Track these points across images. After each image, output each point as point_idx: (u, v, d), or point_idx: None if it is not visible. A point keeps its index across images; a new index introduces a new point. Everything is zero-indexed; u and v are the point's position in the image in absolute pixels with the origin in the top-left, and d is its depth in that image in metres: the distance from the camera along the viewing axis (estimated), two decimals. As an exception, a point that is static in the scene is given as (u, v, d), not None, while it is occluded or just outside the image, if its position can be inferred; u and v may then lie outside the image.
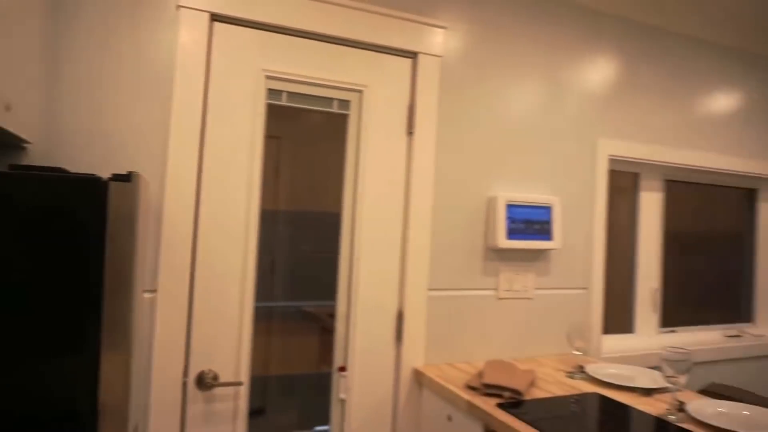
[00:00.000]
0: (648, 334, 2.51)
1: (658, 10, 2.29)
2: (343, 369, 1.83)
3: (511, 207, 2.02)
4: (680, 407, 1.53)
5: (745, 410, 1.51)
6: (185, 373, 1.59)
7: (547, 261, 2.16)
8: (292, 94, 1.75)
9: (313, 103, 1.78)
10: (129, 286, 1.00)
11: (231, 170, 1.65)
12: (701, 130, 2.53)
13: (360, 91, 1.83)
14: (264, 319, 1.75)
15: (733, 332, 2.73)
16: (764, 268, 2.88)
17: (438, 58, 1.92)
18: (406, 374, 1.88)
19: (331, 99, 1.81)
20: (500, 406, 1.51)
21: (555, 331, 2.17)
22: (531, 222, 2.07)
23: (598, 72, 2.26)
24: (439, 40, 1.92)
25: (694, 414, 1.46)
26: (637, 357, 2.30)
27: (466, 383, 1.70)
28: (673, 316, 2.61)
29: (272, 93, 1.72)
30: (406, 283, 1.88)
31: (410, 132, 1.90)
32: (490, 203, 2.03)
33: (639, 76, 2.37)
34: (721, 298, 2.82)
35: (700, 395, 1.72)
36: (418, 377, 1.88)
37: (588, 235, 2.24)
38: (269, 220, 1.74)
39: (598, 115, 2.27)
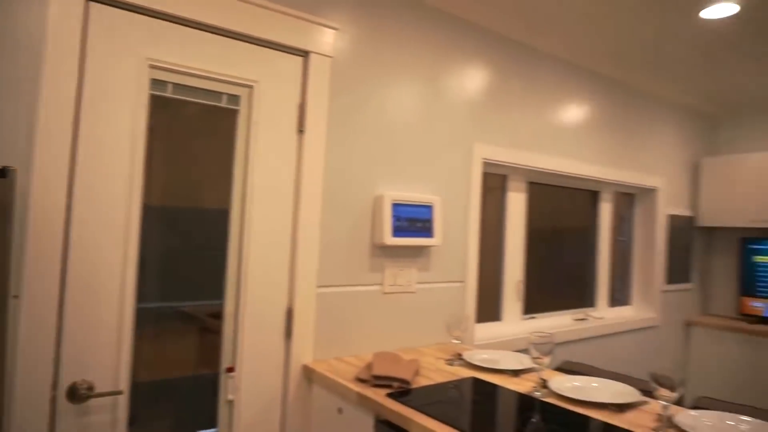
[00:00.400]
0: (513, 321, 2.79)
1: (526, 28, 2.54)
2: (231, 369, 1.79)
3: (396, 206, 2.12)
4: (544, 384, 1.73)
5: (593, 382, 1.75)
6: (54, 386, 1.45)
7: (428, 257, 2.30)
8: (178, 86, 1.67)
9: (201, 96, 1.72)
10: (3, 289, 0.90)
11: (109, 164, 1.53)
12: (557, 138, 2.86)
13: (250, 87, 1.80)
14: (141, 321, 1.66)
15: (580, 316, 3.13)
16: (604, 259, 3.34)
17: (329, 59, 1.95)
18: (295, 371, 1.89)
19: (221, 93, 1.75)
20: (390, 395, 1.59)
21: (435, 322, 2.32)
22: (414, 220, 2.19)
23: (475, 82, 2.45)
24: (330, 41, 1.95)
25: (555, 389, 1.67)
26: (505, 342, 2.54)
27: (355, 376, 1.76)
28: (533, 304, 2.92)
29: (157, 84, 1.62)
30: (295, 279, 1.89)
31: (301, 130, 1.91)
32: (377, 202, 2.11)
33: (510, 88, 2.60)
34: (571, 286, 3.21)
35: (557, 372, 1.96)
36: (308, 373, 1.90)
37: (464, 233, 2.42)
38: (151, 217, 1.65)
39: (475, 121, 2.46)
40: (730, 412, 1.50)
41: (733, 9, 2.26)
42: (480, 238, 2.57)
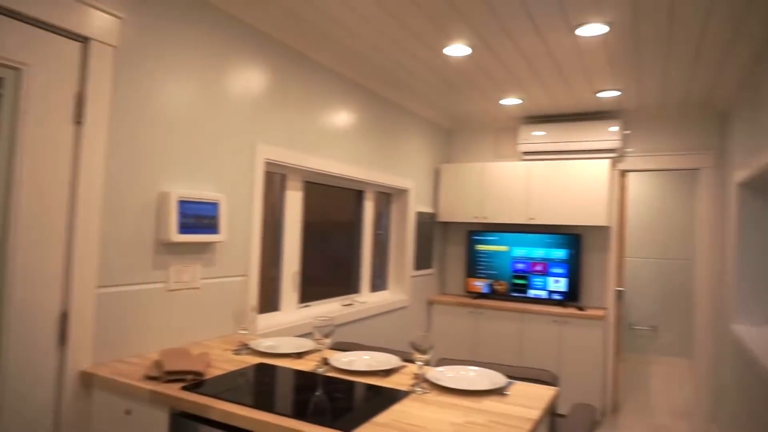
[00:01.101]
0: (291, 310, 3.01)
1: (303, 40, 2.77)
2: (-10, 385, 1.60)
3: (182, 203, 2.13)
4: (326, 362, 1.98)
5: (365, 356, 2.08)
6: None
7: (213, 252, 2.35)
8: None
9: (-48, 74, 1.49)
10: None
11: None
12: (329, 142, 3.17)
13: (18, 69, 1.62)
14: None
15: (347, 301, 3.52)
16: (367, 251, 3.80)
17: (112, 48, 1.86)
18: (72, 379, 1.77)
19: (-22, 73, 1.54)
20: (185, 388, 1.65)
21: (220, 316, 2.39)
22: (201, 217, 2.22)
23: (257, 84, 2.58)
24: (114, 29, 1.86)
25: (334, 364, 1.93)
26: (285, 330, 2.74)
27: (144, 375, 1.75)
28: (308, 293, 3.19)
29: None
30: (72, 281, 1.77)
31: (78, 121, 1.78)
32: (162, 198, 2.09)
33: (288, 92, 2.80)
34: (340, 275, 3.59)
35: (335, 351, 2.24)
36: (87, 379, 1.80)
37: (247, 228, 2.54)
38: None
39: (257, 122, 2.58)
40: (463, 365, 1.97)
41: (467, 51, 2.86)
42: (262, 233, 2.71)
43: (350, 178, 3.37)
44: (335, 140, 3.22)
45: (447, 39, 2.72)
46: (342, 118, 3.28)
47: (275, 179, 2.94)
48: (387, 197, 4.17)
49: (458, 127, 4.95)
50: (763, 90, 2.61)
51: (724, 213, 3.72)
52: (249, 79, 2.52)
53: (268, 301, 2.88)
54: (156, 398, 1.63)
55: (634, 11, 2.32)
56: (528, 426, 1.47)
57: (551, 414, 1.95)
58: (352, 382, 1.79)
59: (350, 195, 3.70)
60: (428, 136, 4.54)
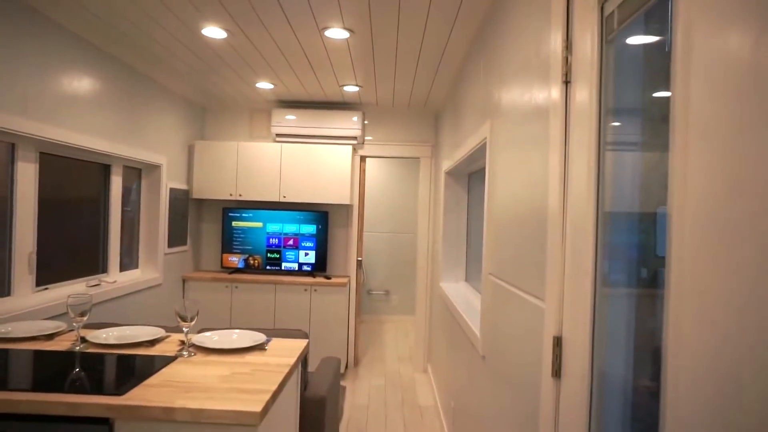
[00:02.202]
0: (26, 295, 2.72)
1: (42, -2, 2.51)
2: None
3: None
4: (84, 340, 1.95)
5: (127, 330, 2.10)
6: None
7: (-75, 232, 2.02)
8: None
9: None
10: None
11: None
12: (72, 111, 2.92)
13: None
14: None
15: (94, 282, 3.31)
16: (115, 228, 3.61)
17: None
18: None
19: None
20: None
21: (-64, 305, 2.07)
22: None
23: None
24: None
25: (93, 340, 1.92)
26: (21, 315, 2.49)
27: None
28: (46, 275, 2.92)
29: None
30: None
31: None
32: None
33: (19, 51, 2.50)
34: (84, 254, 3.34)
35: (91, 330, 2.18)
36: None
37: (-29, 204, 2.23)
38: None
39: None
40: (223, 330, 2.17)
41: (223, 34, 2.98)
42: (-12, 210, 2.40)
43: (95, 150, 3.16)
44: (78, 110, 2.98)
45: (204, 21, 2.79)
46: (86, 86, 3.05)
47: (1, 148, 2.60)
48: (137, 173, 3.99)
49: (214, 106, 4.96)
50: (460, 100, 3.40)
51: (436, 195, 4.65)
52: (-30, 33, 2.19)
53: (-3, 286, 2.56)
54: None
55: (372, 24, 2.78)
56: (285, 370, 1.76)
57: (304, 366, 2.30)
58: (115, 355, 1.83)
59: (95, 169, 3.45)
60: (182, 113, 4.45)
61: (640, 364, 1.08)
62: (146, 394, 1.49)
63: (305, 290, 4.53)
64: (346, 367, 4.85)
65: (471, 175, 3.89)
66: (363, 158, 4.99)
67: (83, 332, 2.10)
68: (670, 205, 0.82)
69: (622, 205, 1.17)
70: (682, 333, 0.76)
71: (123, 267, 3.76)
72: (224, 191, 4.64)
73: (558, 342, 1.36)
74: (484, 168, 2.93)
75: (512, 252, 1.84)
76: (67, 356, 1.80)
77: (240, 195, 4.64)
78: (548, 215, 1.44)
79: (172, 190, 4.25)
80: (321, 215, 4.77)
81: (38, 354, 1.81)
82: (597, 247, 1.20)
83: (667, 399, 0.80)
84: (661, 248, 0.91)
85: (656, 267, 0.99)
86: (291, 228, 4.77)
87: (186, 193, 4.56)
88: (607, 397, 1.19)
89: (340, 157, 4.61)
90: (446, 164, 3.90)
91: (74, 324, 1.90)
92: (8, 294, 2.64)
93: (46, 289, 2.91)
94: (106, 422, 1.45)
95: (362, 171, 5.00)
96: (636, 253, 1.12)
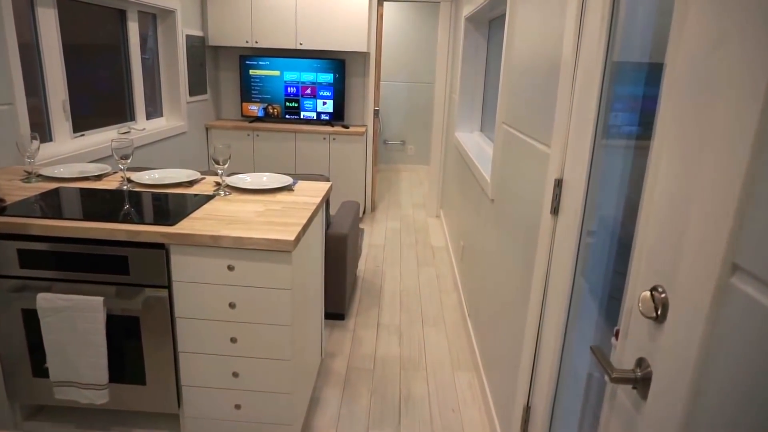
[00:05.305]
0: (65, 141, 2.91)
1: None
2: None
3: None
4: (129, 180, 2.16)
5: (167, 172, 2.29)
6: None
7: (-32, 79, 2.14)
8: None
9: None
10: None
11: None
12: (82, -48, 2.82)
13: None
14: None
15: (125, 129, 3.48)
16: (137, 76, 3.67)
17: None
18: None
19: None
20: (-9, 212, 1.70)
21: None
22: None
23: None
24: None
25: (138, 180, 2.13)
26: (63, 160, 2.70)
27: (-67, 206, 1.72)
28: (81, 122, 3.07)
29: None
30: None
31: None
32: None
33: None
34: (112, 102, 3.46)
35: (133, 172, 2.39)
36: None
37: (3, 54, 2.31)
38: None
39: None
40: (253, 173, 2.35)
41: None
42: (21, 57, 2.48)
43: (110, -5, 3.10)
44: (87, -51, 2.87)
45: None
46: None
47: (20, -6, 2.59)
48: (153, 19, 3.92)
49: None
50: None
51: (455, 43, 4.53)
52: None
53: (39, 132, 2.73)
54: (-40, 224, 1.66)
55: None
56: (312, 207, 1.97)
57: (326, 208, 2.53)
58: (160, 194, 2.04)
59: (112, 15, 3.41)
60: (190, -50, 4.21)
61: (628, 207, 1.23)
62: (194, 224, 1.72)
63: (324, 139, 4.68)
64: (364, 212, 5.18)
65: (491, 22, 3.77)
66: (381, 1, 4.78)
67: (128, 174, 2.31)
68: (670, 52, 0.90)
69: (632, 55, 1.23)
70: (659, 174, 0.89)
71: (148, 116, 3.89)
72: (240, 38, 4.57)
73: (558, 183, 1.51)
74: (504, 15, 2.85)
75: (525, 101, 1.92)
76: (118, 193, 2.02)
77: (256, 42, 4.57)
78: (561, 64, 1.50)
79: (188, 36, 4.20)
80: (338, 63, 4.72)
81: (92, 191, 2.03)
82: (600, 98, 1.29)
83: (640, 228, 0.96)
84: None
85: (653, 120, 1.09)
86: (308, 77, 4.76)
87: (202, 41, 4.50)
88: (595, 233, 1.37)
89: (357, 1, 4.42)
90: (467, 9, 3.76)
91: (120, 166, 2.09)
92: (50, 140, 2.82)
93: (83, 135, 3.08)
94: (162, 247, 1.69)
95: (380, 16, 4.82)
96: (640, 104, 1.21)
